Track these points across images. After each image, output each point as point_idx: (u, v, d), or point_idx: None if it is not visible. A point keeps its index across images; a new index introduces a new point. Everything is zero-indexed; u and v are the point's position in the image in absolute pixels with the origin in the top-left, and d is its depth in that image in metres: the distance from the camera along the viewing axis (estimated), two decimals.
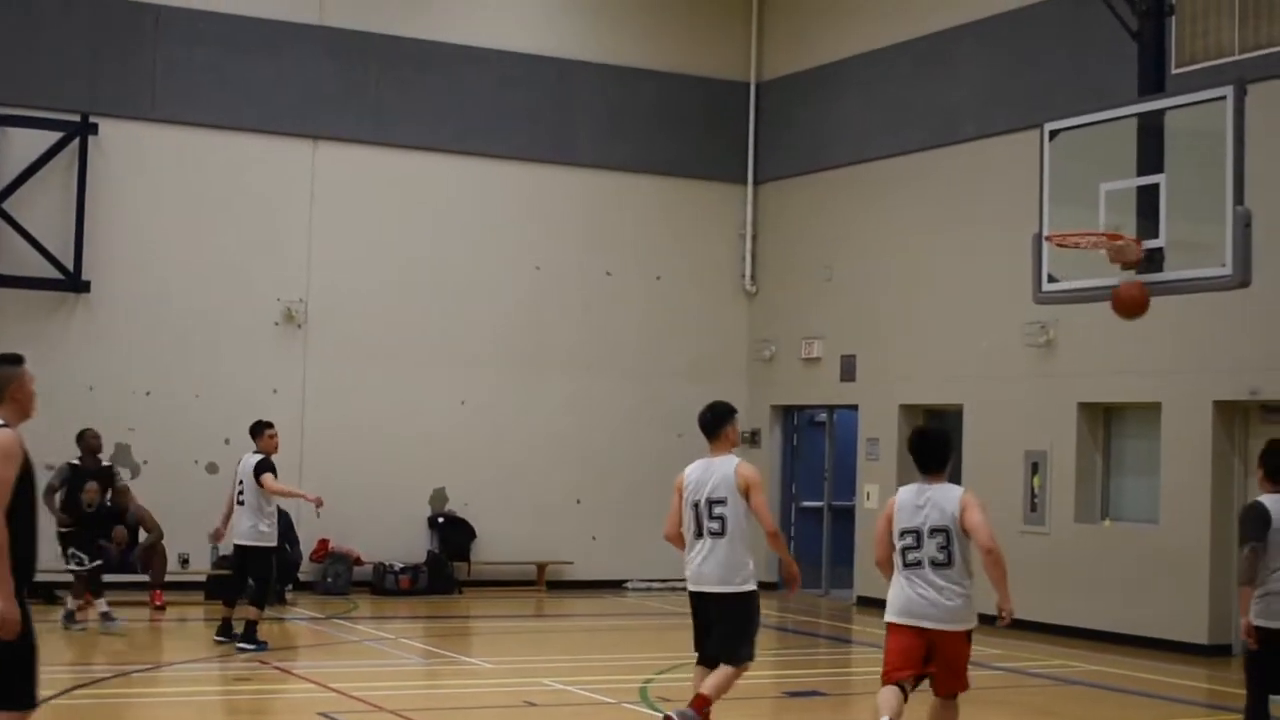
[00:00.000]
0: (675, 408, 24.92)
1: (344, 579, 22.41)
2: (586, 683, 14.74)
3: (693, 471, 11.51)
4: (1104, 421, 19.96)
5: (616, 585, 24.28)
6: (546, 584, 23.78)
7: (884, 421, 22.73)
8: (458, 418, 23.67)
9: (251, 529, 17.23)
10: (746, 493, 11.21)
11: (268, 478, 17.10)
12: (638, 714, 13.34)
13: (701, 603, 11.48)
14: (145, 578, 20.29)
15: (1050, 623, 19.28)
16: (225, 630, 17.08)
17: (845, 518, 23.64)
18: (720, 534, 11.26)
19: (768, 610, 21.48)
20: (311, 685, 14.60)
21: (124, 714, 13.61)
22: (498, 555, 23.69)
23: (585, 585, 23.96)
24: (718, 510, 11.26)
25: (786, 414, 24.99)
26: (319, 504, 17.71)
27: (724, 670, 11.30)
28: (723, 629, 11.33)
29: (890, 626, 10.25)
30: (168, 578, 20.48)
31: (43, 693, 13.00)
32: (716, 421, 11.56)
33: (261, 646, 16.85)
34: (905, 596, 10.13)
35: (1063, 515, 19.80)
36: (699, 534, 11.35)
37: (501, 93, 24.24)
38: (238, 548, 17.47)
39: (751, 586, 11.29)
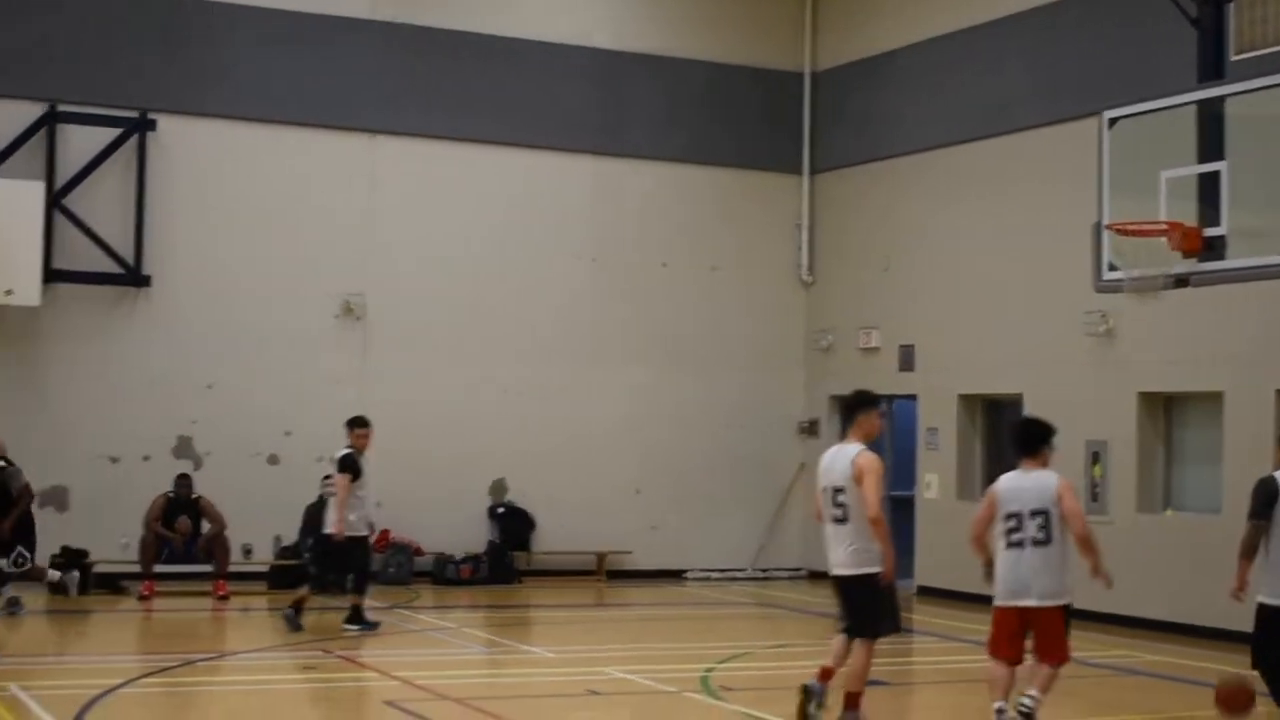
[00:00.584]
0: (732, 398, 25.04)
1: (405, 569, 22.52)
2: (648, 672, 14.76)
3: (825, 458, 11.87)
4: (1165, 411, 19.85)
5: (676, 575, 24.31)
6: (606, 573, 23.84)
7: (943, 411, 22.67)
8: (516, 409, 23.73)
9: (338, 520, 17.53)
10: (860, 480, 11.40)
11: (342, 478, 17.34)
12: (699, 703, 13.36)
13: (835, 585, 11.82)
14: (209, 568, 20.49)
15: (1112, 613, 19.20)
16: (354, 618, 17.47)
17: (905, 508, 23.54)
18: (843, 520, 11.54)
19: (820, 599, 21.57)
20: (376, 674, 14.70)
21: (191, 702, 13.76)
22: (557, 545, 23.75)
23: (645, 575, 23.99)
24: (839, 498, 11.55)
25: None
26: (339, 532, 17.61)
27: (855, 652, 11.66)
28: (851, 609, 11.69)
29: (997, 607, 11.42)
30: (231, 568, 20.68)
31: (111, 681, 13.24)
32: (852, 409, 11.87)
33: (368, 626, 17.28)
34: (1008, 576, 11.28)
35: (1124, 505, 19.70)
36: (827, 519, 11.67)
37: (557, 85, 24.28)
38: (323, 537, 17.66)
39: (875, 569, 11.48)
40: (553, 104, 24.28)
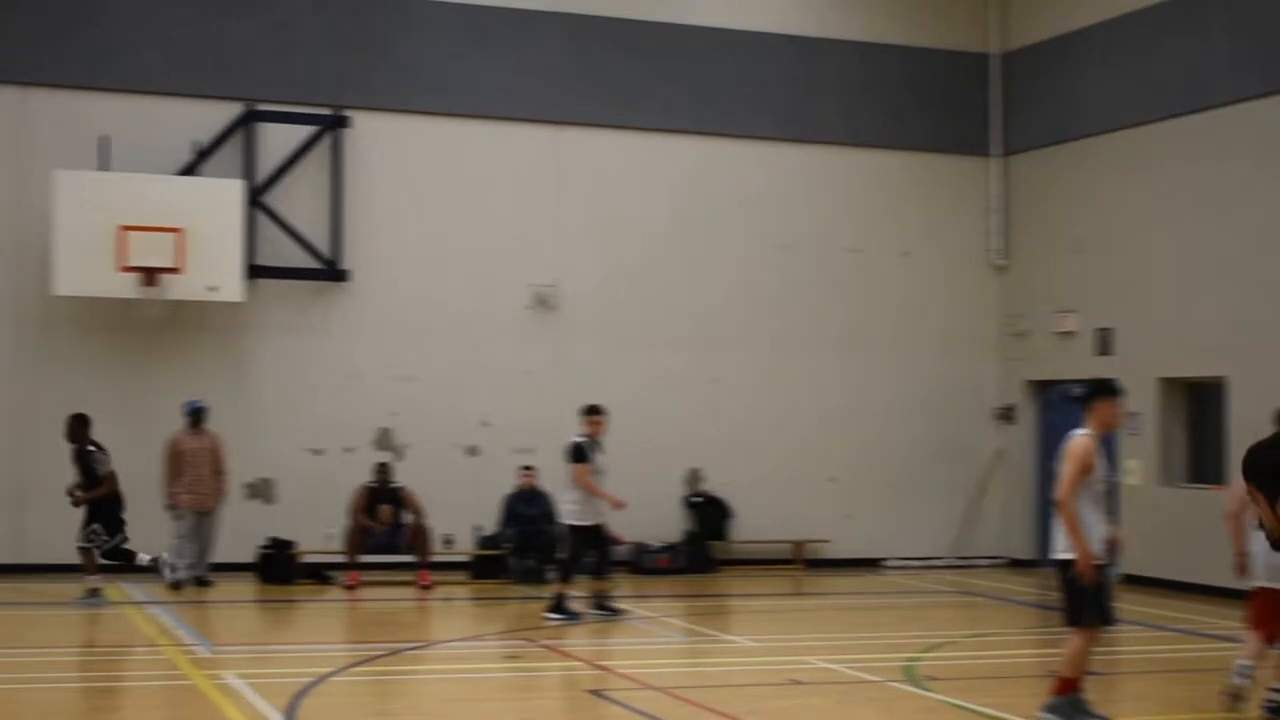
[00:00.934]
0: (926, 384, 24.82)
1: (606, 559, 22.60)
2: (850, 661, 14.67)
3: None
4: None
5: (873, 564, 24.17)
6: (804, 562, 23.74)
7: (1143, 396, 22.21)
8: (710, 397, 23.75)
9: (564, 506, 17.97)
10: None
11: (576, 467, 17.61)
12: (905, 693, 13.23)
13: None
14: (411, 558, 20.76)
15: None
16: (557, 607, 17.60)
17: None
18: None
19: (1021, 587, 21.32)
20: (578, 663, 14.80)
21: (398, 690, 13.92)
22: (754, 534, 23.70)
23: (842, 564, 23.88)
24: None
25: (1040, 389, 24.61)
26: (616, 505, 17.92)
27: (1067, 641, 11.55)
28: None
29: (1254, 585, 11.94)
30: (432, 558, 20.91)
31: (322, 669, 13.46)
32: (1088, 397, 11.67)
33: (571, 616, 17.40)
34: (1260, 559, 11.81)
35: None
36: None
37: (743, 73, 24.23)
38: (563, 528, 18.10)
39: (1073, 555, 11.28)
40: (739, 92, 24.23)
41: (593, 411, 18.06)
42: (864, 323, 24.66)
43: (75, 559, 18.82)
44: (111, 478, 18.81)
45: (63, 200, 20.57)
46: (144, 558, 18.96)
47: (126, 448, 20.69)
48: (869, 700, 13.06)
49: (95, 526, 18.70)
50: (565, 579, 17.80)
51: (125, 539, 18.92)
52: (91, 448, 18.83)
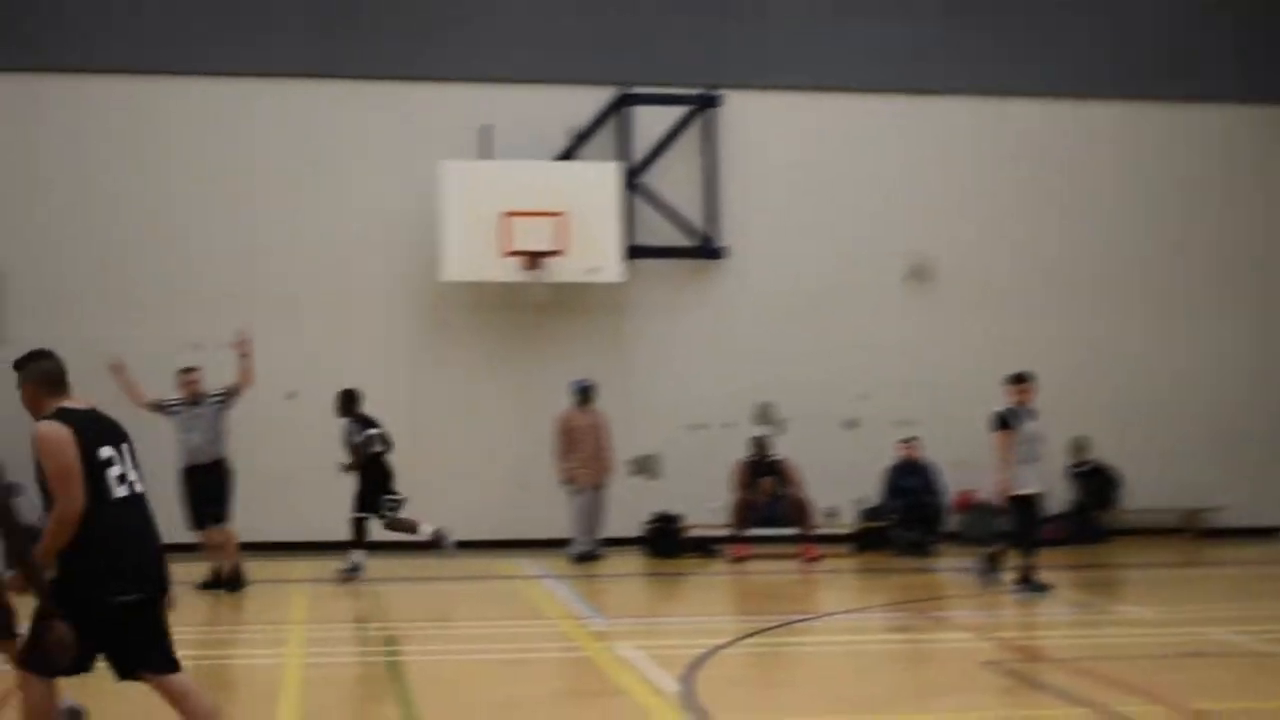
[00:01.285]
0: None
1: (986, 528, 22.29)
2: (1253, 632, 14.19)
3: None
4: None
5: (1269, 533, 23.31)
6: (1197, 531, 23.05)
7: None
8: (1093, 363, 23.23)
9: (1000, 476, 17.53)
10: None
11: (996, 435, 17.22)
12: None
13: None
14: (792, 530, 20.82)
15: None
16: (1022, 580, 17.15)
17: None
18: None
19: None
20: (968, 635, 14.64)
21: (789, 661, 14.07)
22: (1143, 502, 23.10)
23: (1238, 532, 23.10)
24: None
25: None
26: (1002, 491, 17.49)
27: None
28: None
29: None
30: (815, 531, 20.96)
31: (714, 640, 13.61)
32: None
33: (1037, 589, 16.91)
34: None
35: None
36: None
37: (1103, 30, 23.56)
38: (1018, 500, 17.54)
39: None
40: (1099, 51, 23.58)
41: (1018, 380, 17.60)
42: (1249, 285, 23.78)
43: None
44: (358, 450, 18.73)
45: (449, 189, 21.23)
46: (357, 557, 18.81)
47: (515, 426, 21.45)
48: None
49: (385, 499, 18.84)
50: (1026, 552, 17.20)
51: (368, 517, 18.89)
52: (351, 421, 18.94)
